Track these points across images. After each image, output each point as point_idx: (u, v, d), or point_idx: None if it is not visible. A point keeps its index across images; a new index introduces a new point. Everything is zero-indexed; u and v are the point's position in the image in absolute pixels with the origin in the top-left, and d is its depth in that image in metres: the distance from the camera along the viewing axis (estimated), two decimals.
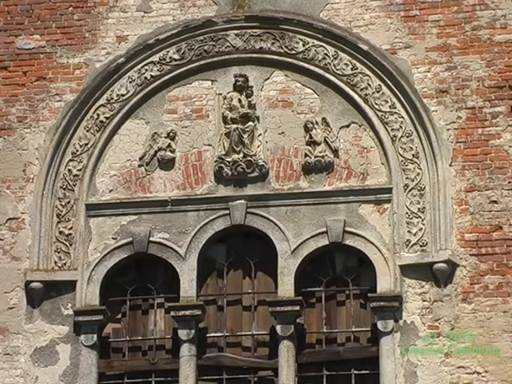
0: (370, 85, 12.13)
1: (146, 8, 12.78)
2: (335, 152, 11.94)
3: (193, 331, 11.55)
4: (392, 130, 11.96)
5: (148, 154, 12.20)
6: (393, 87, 12.07)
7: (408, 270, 11.45)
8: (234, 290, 11.92)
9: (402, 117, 11.97)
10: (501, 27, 12.15)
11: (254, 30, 12.50)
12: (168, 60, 12.52)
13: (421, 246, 11.51)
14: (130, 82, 12.48)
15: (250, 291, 11.86)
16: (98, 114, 12.43)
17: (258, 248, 11.93)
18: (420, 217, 11.59)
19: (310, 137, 11.99)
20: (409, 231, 11.57)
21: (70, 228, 12.10)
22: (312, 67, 12.25)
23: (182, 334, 11.54)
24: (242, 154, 12.00)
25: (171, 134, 12.22)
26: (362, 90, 12.12)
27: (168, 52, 12.50)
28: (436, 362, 11.16)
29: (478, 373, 11.06)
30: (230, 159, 11.98)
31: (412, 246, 11.51)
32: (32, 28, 12.89)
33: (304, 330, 11.62)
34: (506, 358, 11.07)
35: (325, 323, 11.66)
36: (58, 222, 12.12)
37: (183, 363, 11.51)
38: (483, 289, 11.29)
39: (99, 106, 12.45)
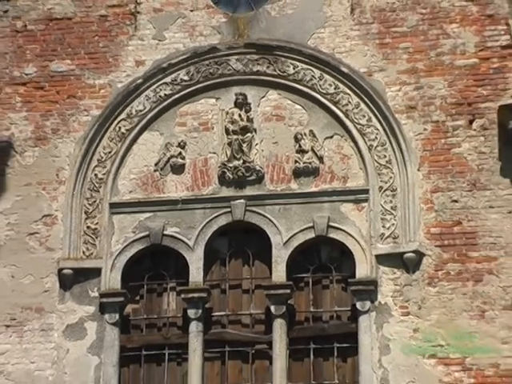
0: (350, 102, 12.19)
1: (161, 37, 12.81)
2: (320, 159, 12.01)
3: (200, 311, 11.68)
4: (369, 140, 12.03)
5: (162, 160, 12.28)
6: (369, 104, 12.14)
7: (382, 259, 11.58)
8: (234, 276, 12.03)
9: (377, 129, 12.05)
10: (460, 53, 12.21)
11: (252, 56, 12.56)
12: (179, 81, 12.57)
13: (393, 238, 11.63)
14: (147, 100, 12.54)
15: (248, 277, 11.97)
16: (120, 127, 12.49)
17: (256, 240, 12.03)
18: (392, 214, 11.70)
19: (299, 146, 12.06)
20: (383, 226, 11.69)
21: (96, 223, 12.19)
22: (301, 87, 12.33)
23: (191, 313, 11.67)
24: (241, 161, 12.07)
25: (181, 143, 12.29)
26: (343, 106, 12.19)
27: (179, 74, 12.56)
28: (406, 337, 11.29)
29: (441, 345, 11.20)
30: (231, 165, 12.06)
31: (386, 238, 11.64)
32: (64, 54, 12.93)
33: (294, 310, 11.73)
34: (465, 332, 11.20)
35: (312, 304, 11.78)
36: (86, 218, 12.22)
37: (192, 338, 11.65)
38: (446, 275, 11.43)
39: (121, 120, 12.51)
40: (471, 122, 11.93)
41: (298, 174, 12.05)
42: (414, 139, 11.95)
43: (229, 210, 12.04)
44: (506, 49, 12.14)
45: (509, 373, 11.05)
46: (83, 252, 12.13)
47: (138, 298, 12.11)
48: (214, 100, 12.52)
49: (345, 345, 11.55)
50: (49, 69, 12.92)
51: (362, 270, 11.60)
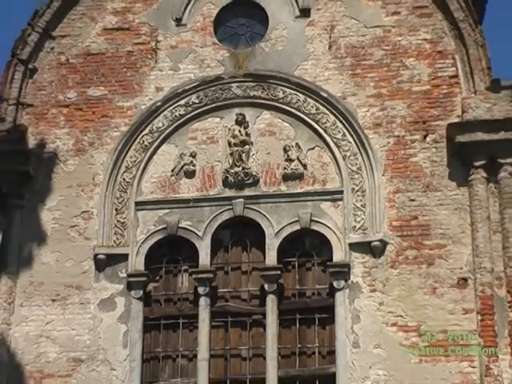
0: (328, 120, 12.29)
1: (176, 68, 12.87)
2: (304, 166, 12.15)
3: (207, 288, 11.83)
4: (343, 151, 12.14)
5: (177, 167, 12.40)
6: (344, 122, 12.23)
7: (354, 247, 11.74)
8: (235, 260, 12.15)
9: (350, 142, 12.16)
10: (416, 82, 12.31)
11: (250, 83, 12.61)
12: (191, 103, 12.61)
13: (363, 230, 11.78)
14: (165, 119, 12.61)
15: (246, 261, 12.09)
16: (143, 140, 12.59)
17: (252, 232, 12.13)
18: (362, 210, 11.87)
19: (288, 156, 12.19)
20: (355, 220, 11.83)
21: (124, 218, 12.29)
22: (289, 108, 12.44)
23: (200, 290, 11.84)
24: (241, 168, 12.20)
25: (193, 153, 12.41)
26: (323, 123, 12.30)
27: (191, 98, 12.64)
28: (373, 309, 11.46)
29: (401, 316, 11.40)
30: (233, 171, 12.20)
31: (357, 230, 11.79)
32: (98, 82, 12.99)
33: (283, 287, 11.86)
34: (420, 305, 11.38)
35: (297, 282, 11.92)
36: (116, 214, 12.31)
37: (201, 310, 11.81)
38: (405, 259, 11.61)
39: (144, 135, 12.60)
40: (425, 136, 12.07)
41: (286, 178, 12.17)
42: (380, 150, 12.08)
43: (231, 207, 12.15)
44: (453, 78, 12.29)
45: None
46: (114, 241, 12.23)
47: (157, 277, 12.18)
48: (218, 119, 12.60)
49: (324, 315, 11.69)
50: (86, 94, 12.98)
51: (338, 255, 11.75)
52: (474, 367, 11.14)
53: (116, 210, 12.39)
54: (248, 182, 12.25)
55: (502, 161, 11.75)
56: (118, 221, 12.35)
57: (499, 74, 12.18)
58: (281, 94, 12.54)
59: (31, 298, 12.12)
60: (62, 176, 12.64)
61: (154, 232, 12.26)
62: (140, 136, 12.66)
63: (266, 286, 11.79)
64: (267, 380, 11.49)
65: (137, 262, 12.13)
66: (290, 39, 12.82)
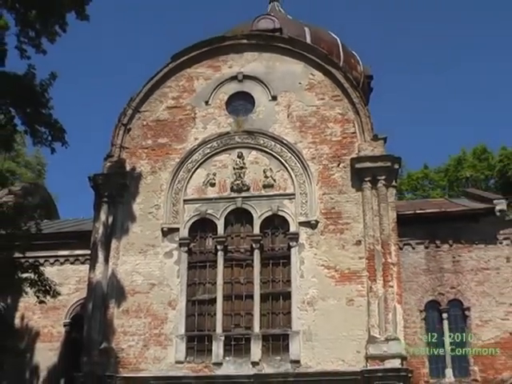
0: (287, 156, 13.02)
1: (205, 128, 13.48)
2: (274, 180, 12.94)
3: (222, 246, 12.65)
4: (295, 172, 12.87)
5: (205, 181, 13.09)
6: (295, 156, 12.88)
7: (301, 224, 12.48)
8: (237, 231, 12.88)
9: (298, 167, 12.88)
10: (334, 135, 13.02)
11: (245, 136, 13.29)
12: (213, 147, 13.32)
13: (306, 214, 12.55)
14: (199, 155, 13.27)
15: (243, 231, 12.83)
16: (188, 166, 13.24)
17: (246, 216, 12.80)
18: (305, 204, 12.64)
19: (266, 175, 12.97)
20: (301, 209, 12.59)
21: (177, 208, 12.98)
22: (266, 149, 13.16)
23: (218, 247, 12.50)
24: (240, 181, 12.94)
25: (214, 173, 13.10)
26: (284, 157, 13.02)
27: (213, 143, 13.32)
28: (312, 257, 12.27)
29: (326, 261, 12.19)
30: (236, 183, 12.96)
31: (303, 214, 12.56)
32: (163, 135, 13.51)
33: (263, 246, 12.62)
34: (336, 255, 12.14)
35: (270, 243, 12.71)
36: (173, 206, 13.00)
37: (219, 257, 12.61)
38: (328, 230, 12.38)
39: (188, 163, 13.23)
40: (339, 164, 12.84)
41: (265, 186, 12.92)
42: (314, 171, 12.85)
43: (234, 202, 12.87)
44: (353, 133, 12.94)
45: (355, 271, 11.99)
46: (172, 220, 12.91)
47: (195, 240, 12.90)
48: (228, 155, 13.25)
49: (285, 261, 12.47)
50: (157, 141, 13.57)
51: (292, 228, 12.57)
52: (364, 287, 11.97)
53: (173, 204, 13.06)
54: (244, 189, 12.94)
55: (379, 178, 12.58)
56: (174, 210, 13.01)
57: (377, 131, 13.01)
58: (262, 142, 13.27)
59: (128, 251, 12.88)
60: (144, 186, 13.31)
61: (193, 216, 12.94)
62: (186, 164, 13.28)
63: (253, 245, 12.58)
64: (254, 295, 12.25)
65: (184, 232, 12.83)
66: (266, 112, 13.46)
